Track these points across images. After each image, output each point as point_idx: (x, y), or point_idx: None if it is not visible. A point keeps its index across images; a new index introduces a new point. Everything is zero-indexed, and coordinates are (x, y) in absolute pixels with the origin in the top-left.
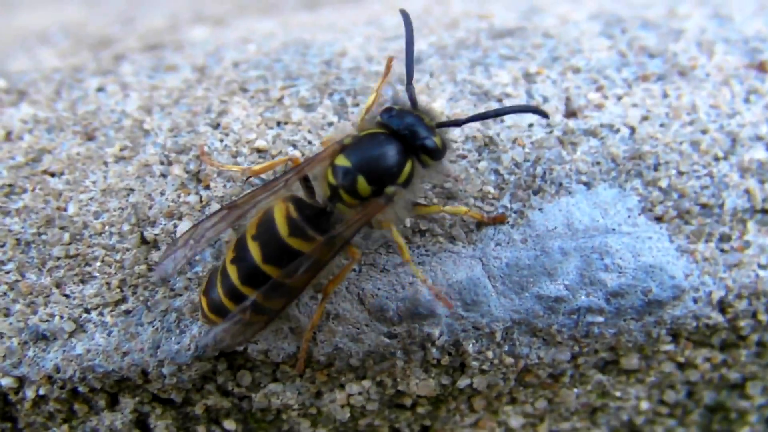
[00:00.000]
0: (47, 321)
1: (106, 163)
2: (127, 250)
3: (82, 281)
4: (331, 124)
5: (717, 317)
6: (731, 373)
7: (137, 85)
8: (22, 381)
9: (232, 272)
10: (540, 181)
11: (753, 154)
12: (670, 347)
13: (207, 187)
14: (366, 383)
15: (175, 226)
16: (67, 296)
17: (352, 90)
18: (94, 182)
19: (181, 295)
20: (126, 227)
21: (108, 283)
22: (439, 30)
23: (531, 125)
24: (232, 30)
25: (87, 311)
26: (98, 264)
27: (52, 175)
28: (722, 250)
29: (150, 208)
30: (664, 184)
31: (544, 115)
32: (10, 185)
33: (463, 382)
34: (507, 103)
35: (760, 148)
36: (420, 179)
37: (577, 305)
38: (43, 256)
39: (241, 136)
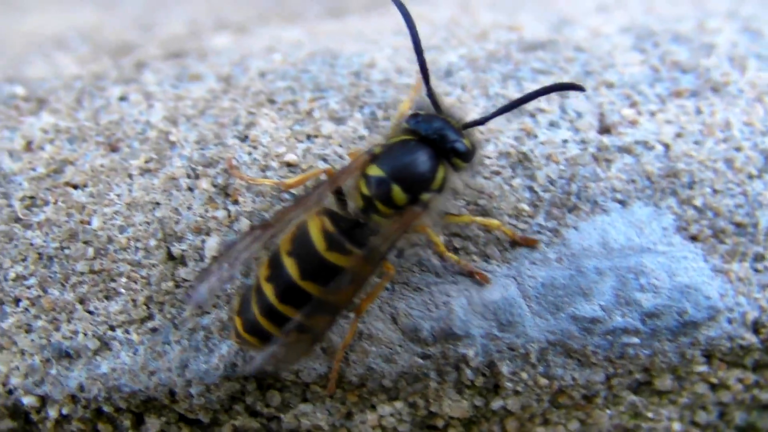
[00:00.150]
0: (71, 338)
1: (130, 176)
2: (154, 265)
3: (107, 297)
4: (362, 137)
5: (751, 338)
6: (763, 394)
7: (161, 94)
8: (44, 400)
9: (268, 290)
10: (575, 198)
11: None
12: (703, 368)
13: (236, 202)
14: (398, 404)
15: (203, 241)
16: (91, 313)
17: (383, 103)
18: (118, 195)
19: (209, 313)
20: (152, 242)
21: (134, 300)
22: (468, 41)
23: (565, 141)
24: (256, 38)
25: (112, 328)
26: (123, 280)
27: (75, 187)
28: (756, 270)
29: (177, 222)
30: (698, 202)
31: (578, 88)
32: (31, 197)
33: (496, 404)
34: (540, 118)
35: None
36: (452, 184)
37: (612, 326)
38: (67, 271)
39: (271, 149)
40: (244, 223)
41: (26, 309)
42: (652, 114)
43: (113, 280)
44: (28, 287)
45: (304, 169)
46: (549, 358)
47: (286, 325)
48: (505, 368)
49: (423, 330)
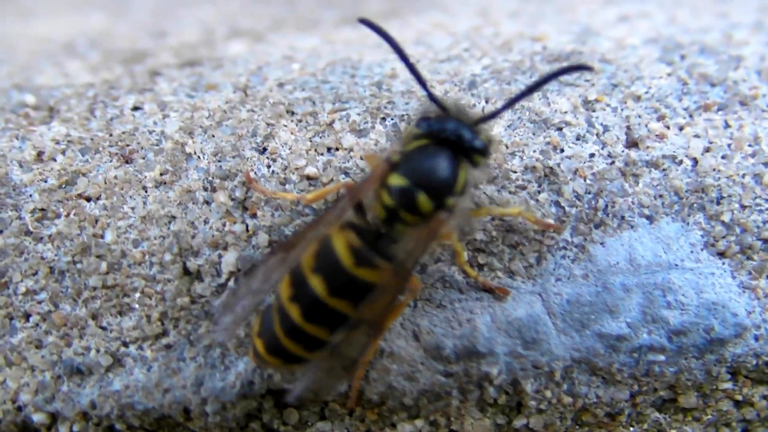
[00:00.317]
0: (82, 354)
1: (145, 188)
2: (169, 281)
3: (120, 313)
4: (384, 151)
5: None
6: None
7: (177, 104)
8: (55, 417)
9: (293, 311)
10: (602, 214)
11: None
12: (728, 385)
13: (254, 216)
14: (419, 423)
15: (220, 256)
16: (103, 329)
17: (405, 115)
18: (132, 208)
19: (215, 324)
20: (167, 257)
21: (148, 316)
22: (492, 52)
23: (592, 155)
24: (273, 46)
25: (125, 345)
26: (137, 295)
27: (88, 199)
28: None
29: (193, 237)
30: (726, 218)
31: (586, 68)
32: (42, 209)
33: (519, 422)
34: (568, 133)
35: None
36: (472, 183)
37: (638, 344)
38: (79, 286)
39: (290, 162)
40: (262, 238)
41: (37, 324)
42: (680, 128)
43: (127, 296)
44: (39, 302)
45: (324, 182)
46: (574, 376)
47: (319, 347)
48: (528, 386)
49: (446, 348)
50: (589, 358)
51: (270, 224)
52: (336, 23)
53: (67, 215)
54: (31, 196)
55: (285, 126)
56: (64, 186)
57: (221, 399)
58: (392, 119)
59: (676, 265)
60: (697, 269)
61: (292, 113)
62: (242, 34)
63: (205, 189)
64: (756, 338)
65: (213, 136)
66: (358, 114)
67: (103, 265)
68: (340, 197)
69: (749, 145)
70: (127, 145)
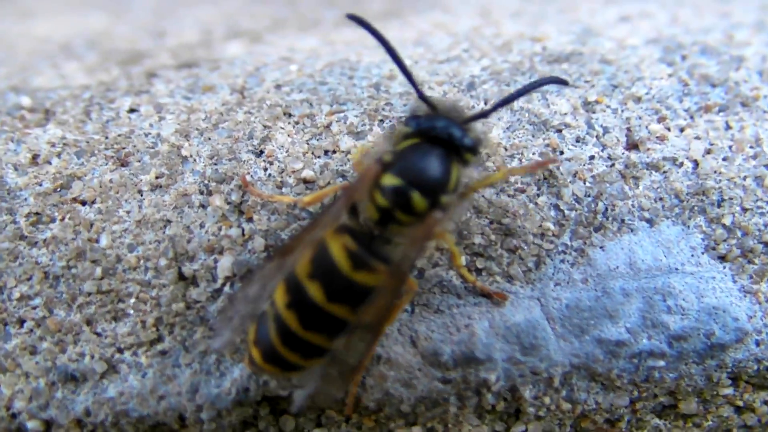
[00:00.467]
0: (77, 361)
1: (141, 192)
2: (164, 286)
3: (115, 319)
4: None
5: None
6: None
7: (173, 106)
8: (49, 424)
9: (290, 318)
10: (602, 217)
11: None
12: (729, 391)
13: (250, 220)
14: (416, 430)
15: (216, 261)
16: (98, 334)
17: (403, 117)
18: (128, 212)
19: (215, 334)
20: (163, 262)
21: (143, 322)
22: (491, 53)
23: (592, 158)
24: (271, 47)
25: (120, 351)
26: (132, 301)
27: (83, 203)
28: None
29: (188, 241)
30: (727, 221)
31: (562, 82)
32: (37, 213)
33: (517, 429)
34: (567, 135)
35: None
36: (463, 181)
37: (638, 349)
38: (73, 291)
39: (287, 165)
40: (258, 242)
41: (31, 330)
42: (681, 129)
43: (122, 301)
44: (34, 307)
45: (321, 186)
46: (573, 382)
47: (317, 355)
48: (527, 393)
49: (443, 354)
50: (589, 364)
51: (266, 228)
52: (337, 23)
53: (62, 219)
54: (26, 199)
55: (282, 128)
56: (59, 190)
57: (217, 406)
58: (390, 121)
59: (677, 269)
60: (697, 273)
61: (289, 115)
62: (241, 35)
63: (201, 192)
64: (757, 343)
65: (209, 138)
66: (356, 116)
67: (98, 270)
68: (334, 200)
69: (750, 147)
70: (123, 148)
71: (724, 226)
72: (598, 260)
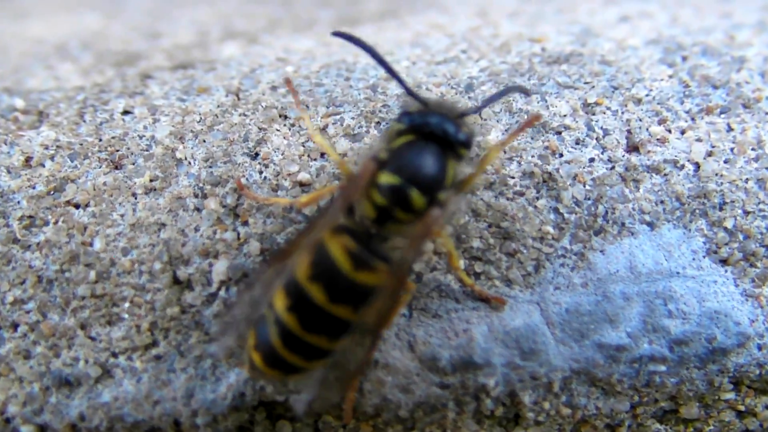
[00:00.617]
0: (71, 365)
1: (135, 195)
2: (159, 290)
3: (110, 323)
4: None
5: None
6: None
7: (167, 108)
8: (43, 429)
9: (291, 321)
10: (602, 220)
11: None
12: (730, 396)
13: (245, 223)
14: None
15: (211, 265)
16: (92, 339)
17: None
18: (122, 215)
19: (213, 341)
20: (157, 266)
21: (137, 326)
22: (490, 54)
23: (592, 160)
24: (267, 48)
25: (114, 355)
26: (127, 305)
27: (77, 206)
28: None
29: (183, 245)
30: (729, 224)
31: (523, 91)
32: (30, 217)
33: None
34: (567, 137)
35: None
36: (459, 177)
37: (639, 354)
38: (67, 295)
39: (282, 167)
40: (254, 246)
41: (25, 334)
42: (682, 132)
43: (116, 305)
44: (27, 312)
45: (317, 189)
46: (572, 387)
47: (319, 357)
48: (526, 398)
49: (442, 359)
50: (589, 369)
51: (262, 232)
52: (332, 24)
53: (56, 223)
54: (19, 202)
55: (278, 130)
56: (52, 192)
57: (212, 411)
58: (387, 123)
59: (678, 272)
60: (699, 277)
61: (285, 117)
62: (236, 36)
63: (196, 196)
64: (759, 347)
65: (204, 141)
66: (353, 118)
67: (92, 274)
68: (331, 200)
69: (752, 149)
70: (117, 151)
71: (725, 229)
72: (599, 264)
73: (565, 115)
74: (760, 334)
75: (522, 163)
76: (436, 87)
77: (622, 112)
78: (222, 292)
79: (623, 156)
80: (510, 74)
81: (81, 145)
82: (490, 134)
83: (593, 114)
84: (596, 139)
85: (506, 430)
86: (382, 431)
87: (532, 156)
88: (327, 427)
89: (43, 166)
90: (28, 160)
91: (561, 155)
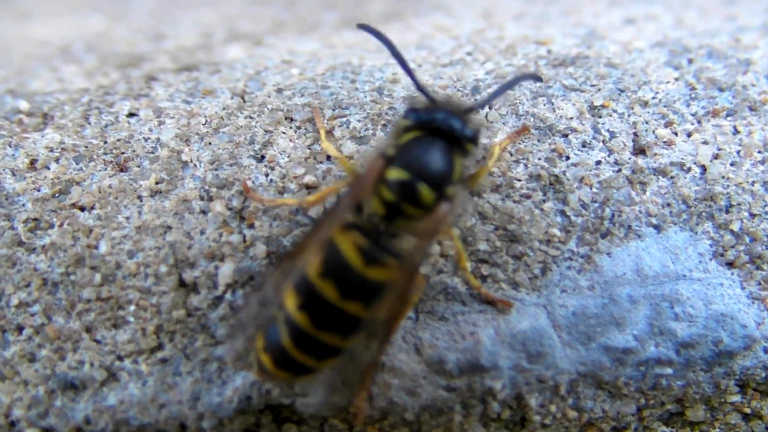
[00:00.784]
0: (76, 368)
1: (140, 198)
2: (164, 293)
3: (115, 326)
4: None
5: None
6: None
7: (173, 110)
8: None
9: (302, 319)
10: (608, 223)
11: None
12: (737, 398)
13: (251, 226)
14: None
15: (217, 268)
16: (98, 342)
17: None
18: (127, 218)
19: (222, 343)
20: (163, 269)
21: (143, 329)
22: (495, 56)
23: (598, 163)
24: (272, 50)
25: (120, 359)
26: (132, 308)
27: (82, 209)
28: None
29: (189, 248)
30: (736, 227)
31: (536, 78)
32: (35, 219)
33: None
34: (573, 140)
35: None
36: (466, 171)
37: (645, 357)
38: (72, 298)
39: (288, 170)
40: (260, 249)
41: (30, 337)
42: (689, 134)
43: (121, 308)
44: (32, 314)
45: (324, 188)
46: (579, 390)
47: (329, 356)
48: (533, 401)
49: (448, 362)
50: (595, 372)
51: (268, 234)
52: (337, 26)
53: (61, 225)
54: (24, 205)
55: (283, 133)
56: (57, 195)
57: (218, 414)
58: (394, 121)
59: (684, 275)
60: (705, 280)
61: (291, 120)
62: (241, 38)
63: (202, 198)
64: (765, 350)
65: (210, 143)
66: (359, 120)
67: (97, 277)
68: (339, 198)
69: (759, 152)
70: (122, 153)
71: (732, 232)
72: (605, 267)
73: (571, 118)
74: (766, 337)
75: (529, 165)
76: (443, 89)
77: (629, 115)
78: (228, 295)
79: (630, 159)
80: (516, 76)
81: (86, 147)
82: (496, 137)
83: (600, 117)
84: (603, 141)
85: None
86: None
87: (539, 159)
88: (333, 430)
89: (48, 168)
90: (32, 162)
91: (567, 158)
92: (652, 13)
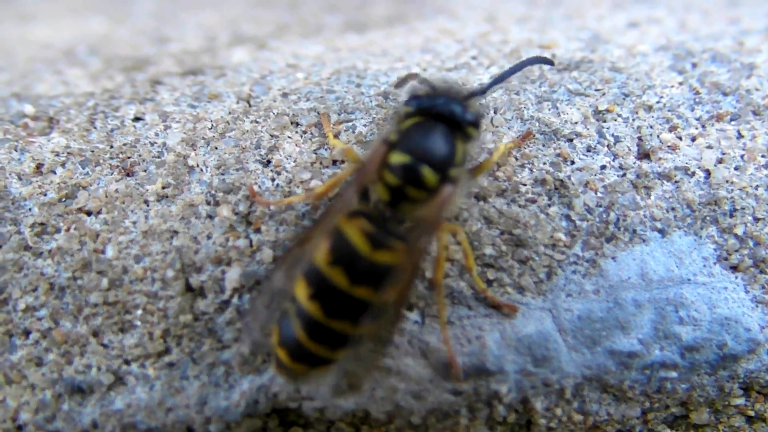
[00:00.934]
0: (84, 372)
1: (147, 202)
2: (171, 297)
3: (122, 330)
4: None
5: None
6: None
7: (179, 114)
8: None
9: (314, 309)
10: (613, 227)
11: None
12: (741, 401)
13: (258, 231)
14: None
15: (223, 272)
16: (105, 346)
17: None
18: (134, 223)
19: (229, 347)
20: (170, 273)
21: (150, 333)
22: (500, 60)
23: (603, 167)
24: (276, 54)
25: (127, 363)
26: (139, 312)
27: (89, 213)
28: None
29: (196, 252)
30: (740, 231)
31: (548, 62)
32: (42, 224)
33: None
34: (578, 143)
35: None
36: (468, 155)
37: (650, 360)
38: (79, 303)
39: (295, 175)
40: (267, 253)
41: (37, 341)
42: (693, 139)
43: (128, 313)
44: (39, 319)
45: (330, 197)
46: (584, 394)
47: (343, 344)
48: (538, 404)
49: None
50: (600, 376)
51: (274, 239)
52: (340, 29)
53: (68, 230)
54: (30, 210)
55: (289, 138)
56: (64, 200)
57: (225, 418)
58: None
59: (689, 279)
60: (709, 284)
61: (297, 124)
62: (245, 41)
63: (208, 203)
64: None
65: (216, 148)
66: (365, 125)
67: (104, 282)
68: (345, 186)
69: (762, 156)
70: (128, 158)
71: (736, 236)
72: (610, 271)
73: (576, 123)
74: None
75: (534, 170)
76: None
77: (633, 119)
78: (235, 300)
79: (634, 163)
80: (521, 81)
81: (92, 152)
82: (501, 141)
83: (604, 121)
84: (607, 146)
85: None
86: None
87: (544, 163)
88: None
89: (55, 173)
90: (39, 166)
91: (572, 162)
92: (655, 16)
